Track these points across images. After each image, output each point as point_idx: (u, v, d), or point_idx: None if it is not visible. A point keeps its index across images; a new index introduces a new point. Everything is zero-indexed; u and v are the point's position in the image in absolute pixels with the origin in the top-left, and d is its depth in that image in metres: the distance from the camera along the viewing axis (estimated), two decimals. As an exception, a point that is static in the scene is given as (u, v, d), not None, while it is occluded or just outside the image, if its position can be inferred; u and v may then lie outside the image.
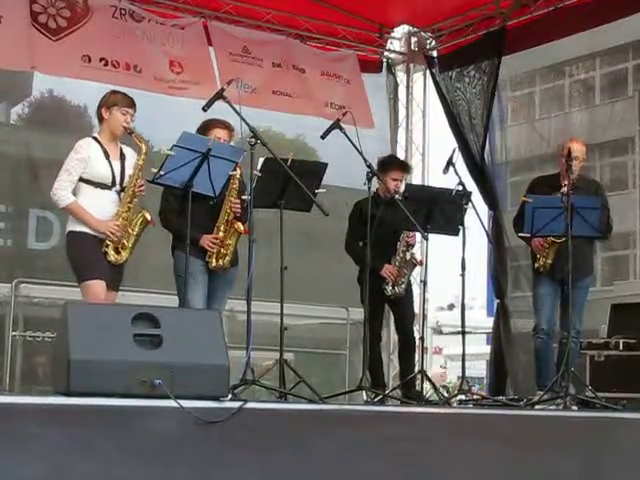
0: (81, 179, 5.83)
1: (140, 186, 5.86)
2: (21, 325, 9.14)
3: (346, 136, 6.13)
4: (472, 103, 9.32)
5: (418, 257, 7.33)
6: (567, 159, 6.70)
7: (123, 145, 6.05)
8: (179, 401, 4.17)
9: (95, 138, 5.94)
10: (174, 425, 4.20)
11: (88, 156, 5.83)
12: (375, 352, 7.30)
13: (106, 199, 5.86)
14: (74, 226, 5.84)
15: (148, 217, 5.90)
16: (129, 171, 5.90)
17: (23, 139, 9.63)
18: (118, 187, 5.89)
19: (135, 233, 5.87)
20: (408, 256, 7.22)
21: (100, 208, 5.82)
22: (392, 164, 7.50)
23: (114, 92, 6.09)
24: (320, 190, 6.09)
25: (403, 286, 7.20)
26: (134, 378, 4.26)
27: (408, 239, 7.18)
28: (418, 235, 7.29)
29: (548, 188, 6.98)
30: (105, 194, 5.86)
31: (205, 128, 6.30)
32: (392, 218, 6.86)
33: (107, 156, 5.89)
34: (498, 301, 9.28)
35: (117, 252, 5.83)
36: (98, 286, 5.69)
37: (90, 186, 5.84)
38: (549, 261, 6.98)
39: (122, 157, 5.96)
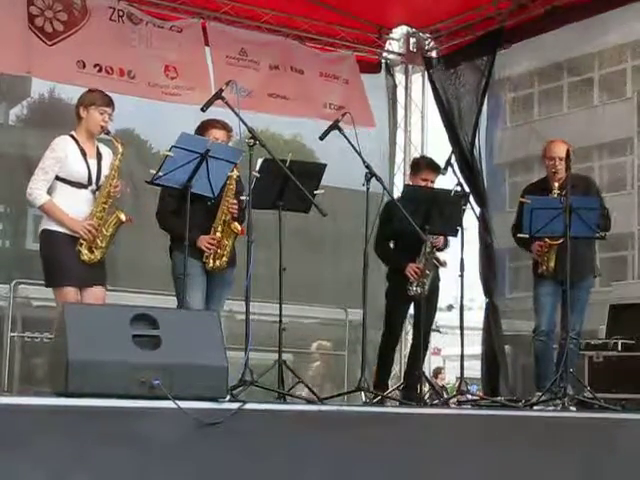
0: (57, 177, 5.80)
1: (115, 186, 5.84)
2: (19, 326, 9.14)
3: (345, 137, 6.12)
4: (464, 101, 9.34)
5: (442, 258, 7.28)
6: (551, 160, 6.98)
7: (100, 144, 6.03)
8: (178, 402, 4.17)
9: (72, 136, 5.92)
10: (173, 426, 4.19)
11: (65, 155, 5.81)
12: (392, 353, 7.37)
13: (81, 198, 5.83)
14: (48, 224, 5.81)
15: (123, 218, 5.85)
16: (105, 171, 5.88)
17: (21, 140, 9.62)
18: (94, 186, 5.87)
19: (109, 233, 5.83)
20: (432, 257, 7.17)
21: (75, 207, 5.80)
22: (422, 165, 7.50)
23: (91, 91, 6.06)
24: (319, 191, 6.09)
25: (426, 286, 7.15)
26: (133, 379, 4.25)
27: (434, 241, 7.12)
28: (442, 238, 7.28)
29: (540, 193, 6.98)
30: (81, 193, 5.84)
31: (203, 128, 6.30)
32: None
33: (84, 154, 5.87)
34: (487, 300, 9.26)
35: (91, 251, 5.80)
36: (68, 293, 5.69)
37: (66, 185, 5.81)
38: (551, 264, 6.95)
39: (99, 156, 5.94)
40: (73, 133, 5.94)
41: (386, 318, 7.38)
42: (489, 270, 9.17)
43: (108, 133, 5.93)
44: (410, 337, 8.35)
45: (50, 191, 5.81)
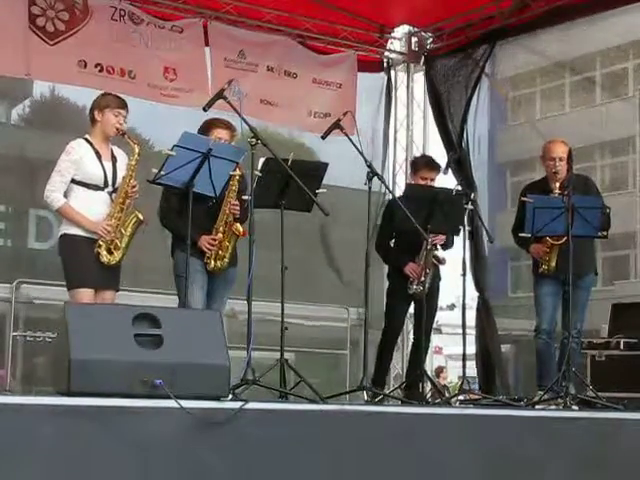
0: (73, 181, 5.82)
1: (133, 187, 5.85)
2: (22, 325, 9.16)
3: (347, 136, 6.13)
4: (456, 93, 9.33)
5: (441, 256, 7.27)
6: (551, 161, 6.97)
7: (114, 146, 6.04)
8: (180, 401, 4.17)
9: (87, 139, 5.94)
10: (174, 425, 4.20)
11: (80, 157, 5.82)
12: (391, 352, 7.38)
13: (98, 200, 5.84)
14: (67, 228, 5.83)
15: (141, 217, 5.86)
16: (121, 172, 5.90)
17: (23, 140, 9.64)
18: (110, 188, 5.88)
19: (128, 234, 5.84)
20: (432, 255, 7.16)
21: (93, 209, 5.81)
22: (420, 163, 7.51)
23: (105, 94, 6.10)
24: (320, 190, 6.09)
25: (427, 285, 7.13)
26: (135, 378, 4.26)
27: (434, 239, 7.10)
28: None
29: (539, 193, 6.97)
30: (97, 195, 5.85)
31: (206, 128, 6.29)
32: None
33: (99, 157, 5.88)
34: (478, 296, 9.20)
35: (110, 253, 5.81)
36: (85, 294, 5.70)
37: (82, 187, 5.82)
38: (552, 264, 6.94)
39: (113, 158, 5.96)
40: (87, 136, 5.95)
41: (386, 317, 7.38)
42: (480, 267, 9.11)
43: (124, 135, 5.92)
44: (411, 336, 8.33)
45: (66, 194, 5.82)
